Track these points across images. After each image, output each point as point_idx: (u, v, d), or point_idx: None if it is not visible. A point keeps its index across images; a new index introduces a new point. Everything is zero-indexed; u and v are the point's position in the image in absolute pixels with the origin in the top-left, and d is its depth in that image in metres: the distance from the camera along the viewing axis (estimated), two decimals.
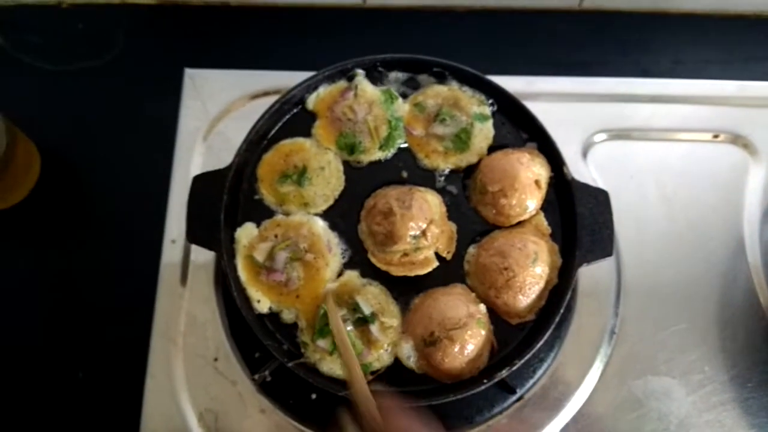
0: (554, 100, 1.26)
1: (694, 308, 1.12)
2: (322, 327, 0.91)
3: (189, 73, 1.26)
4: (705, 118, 1.26)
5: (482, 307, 0.94)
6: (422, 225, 0.94)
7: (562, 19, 1.41)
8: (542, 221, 0.99)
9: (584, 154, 1.21)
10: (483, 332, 0.91)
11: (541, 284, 0.94)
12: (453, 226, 1.00)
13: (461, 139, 1.02)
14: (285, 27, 1.38)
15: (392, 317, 0.93)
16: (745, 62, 1.37)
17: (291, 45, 1.36)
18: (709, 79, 1.32)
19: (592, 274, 1.10)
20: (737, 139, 1.24)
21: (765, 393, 1.07)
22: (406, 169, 1.03)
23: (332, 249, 0.97)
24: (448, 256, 0.98)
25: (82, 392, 1.08)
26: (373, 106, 1.04)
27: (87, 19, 1.38)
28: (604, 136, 1.23)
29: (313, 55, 1.32)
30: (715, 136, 1.25)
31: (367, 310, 0.92)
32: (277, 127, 1.05)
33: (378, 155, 1.03)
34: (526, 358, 0.89)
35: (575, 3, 1.40)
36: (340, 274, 0.97)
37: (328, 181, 1.01)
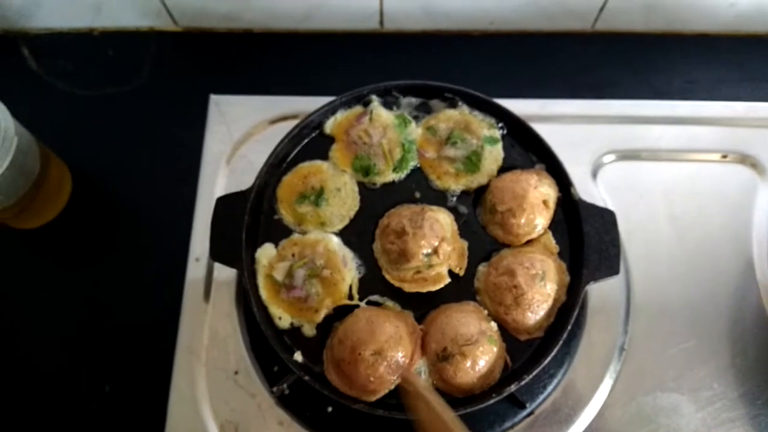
0: (566, 122, 1.28)
1: (703, 325, 1.13)
2: None
3: (214, 99, 1.31)
4: (714, 139, 1.27)
5: (493, 324, 0.97)
6: (434, 243, 0.97)
7: (576, 40, 1.44)
8: (550, 240, 1.02)
9: (594, 175, 1.24)
10: (494, 349, 0.94)
11: (550, 302, 0.97)
12: (464, 243, 1.03)
13: (472, 161, 1.06)
14: (305, 52, 1.43)
15: None
16: (759, 82, 1.39)
17: (311, 69, 1.41)
18: (721, 99, 1.34)
19: (601, 292, 1.12)
20: (745, 159, 1.26)
21: None
22: (418, 190, 1.07)
23: (347, 263, 1.01)
24: (461, 272, 1.00)
25: (110, 405, 1.12)
26: (388, 130, 1.08)
27: (117, 46, 1.44)
28: (613, 156, 1.26)
29: (332, 79, 1.37)
30: (724, 157, 1.26)
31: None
32: (296, 151, 1.09)
33: (392, 177, 1.07)
34: (535, 373, 0.91)
35: (588, 25, 1.43)
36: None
37: (344, 201, 1.05)
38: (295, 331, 0.98)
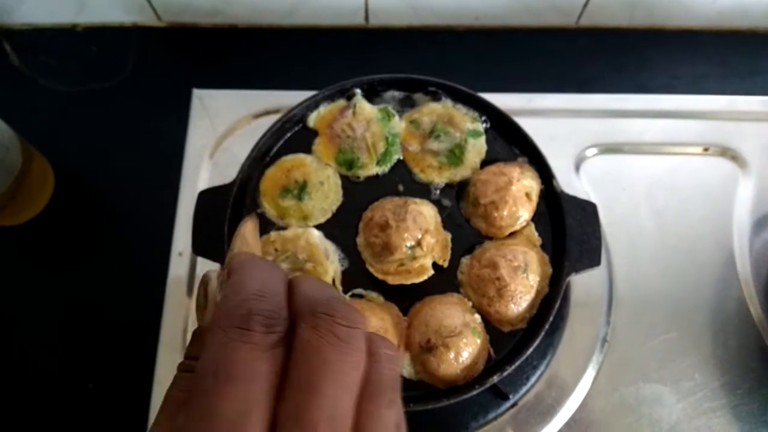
0: (550, 116, 1.29)
1: (685, 317, 1.14)
2: None
3: (197, 93, 1.31)
4: (695, 132, 1.29)
5: (477, 316, 0.97)
6: (417, 235, 0.97)
7: (560, 36, 1.45)
8: (533, 232, 1.02)
9: (577, 168, 1.24)
10: (478, 340, 0.94)
11: (532, 293, 0.97)
12: (448, 235, 1.03)
13: (455, 155, 1.06)
14: (290, 47, 1.43)
15: None
16: (741, 76, 1.41)
17: (296, 65, 1.41)
18: (705, 93, 1.35)
19: (584, 284, 1.13)
20: (726, 152, 1.27)
21: (754, 399, 1.08)
22: (402, 183, 1.06)
23: (330, 256, 1.00)
24: (445, 264, 1.01)
25: (93, 402, 1.12)
26: (371, 124, 1.08)
27: (100, 42, 1.43)
28: (595, 150, 1.27)
29: (317, 74, 1.37)
30: (705, 150, 1.28)
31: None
32: (279, 144, 1.09)
33: (375, 170, 1.07)
34: (517, 364, 0.91)
35: (572, 21, 1.44)
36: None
37: (326, 195, 1.04)
38: None
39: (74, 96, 1.37)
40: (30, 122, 1.21)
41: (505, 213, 1.00)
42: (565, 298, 1.12)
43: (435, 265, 1.00)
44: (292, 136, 1.10)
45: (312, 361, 0.40)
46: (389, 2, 1.39)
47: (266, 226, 1.04)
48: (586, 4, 1.38)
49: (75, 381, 1.13)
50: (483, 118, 1.10)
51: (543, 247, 1.02)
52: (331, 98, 1.10)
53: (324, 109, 1.10)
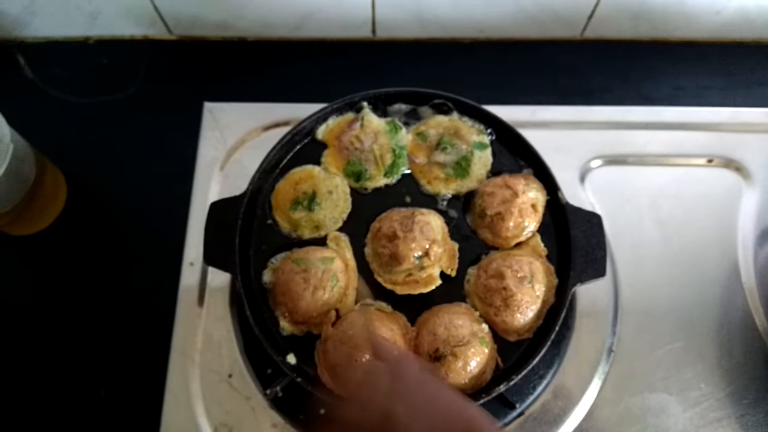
0: (555, 128, 1.30)
1: (690, 327, 1.14)
2: None
3: (208, 106, 1.32)
4: (700, 144, 1.30)
5: (485, 326, 0.98)
6: (425, 245, 0.99)
7: (565, 48, 1.47)
8: (539, 243, 1.04)
9: (582, 179, 1.25)
10: (486, 350, 0.95)
11: (538, 304, 0.98)
12: (455, 245, 1.04)
13: (461, 166, 1.08)
14: (298, 60, 1.45)
15: None
16: (747, 88, 1.41)
17: (304, 77, 1.43)
18: (708, 104, 1.36)
19: (590, 295, 1.14)
20: (730, 164, 1.28)
21: (760, 409, 1.09)
22: (409, 195, 1.08)
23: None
24: (452, 273, 1.02)
25: (105, 409, 1.13)
26: (379, 136, 1.10)
27: (112, 55, 1.45)
28: (600, 161, 1.28)
29: (325, 86, 1.38)
30: (710, 161, 1.29)
31: None
32: (288, 157, 1.11)
33: (383, 182, 1.09)
34: (523, 373, 0.92)
35: (577, 33, 1.45)
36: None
37: (336, 204, 1.06)
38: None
39: (86, 108, 1.39)
40: (43, 134, 1.22)
41: (511, 224, 1.02)
42: (571, 308, 1.13)
43: (442, 274, 1.02)
44: (301, 148, 1.12)
45: None
46: (396, 15, 1.40)
47: (280, 239, 1.06)
48: (590, 17, 1.40)
49: (87, 388, 1.14)
50: (489, 130, 1.11)
51: (549, 257, 1.03)
52: (339, 111, 1.12)
53: (332, 121, 1.12)
